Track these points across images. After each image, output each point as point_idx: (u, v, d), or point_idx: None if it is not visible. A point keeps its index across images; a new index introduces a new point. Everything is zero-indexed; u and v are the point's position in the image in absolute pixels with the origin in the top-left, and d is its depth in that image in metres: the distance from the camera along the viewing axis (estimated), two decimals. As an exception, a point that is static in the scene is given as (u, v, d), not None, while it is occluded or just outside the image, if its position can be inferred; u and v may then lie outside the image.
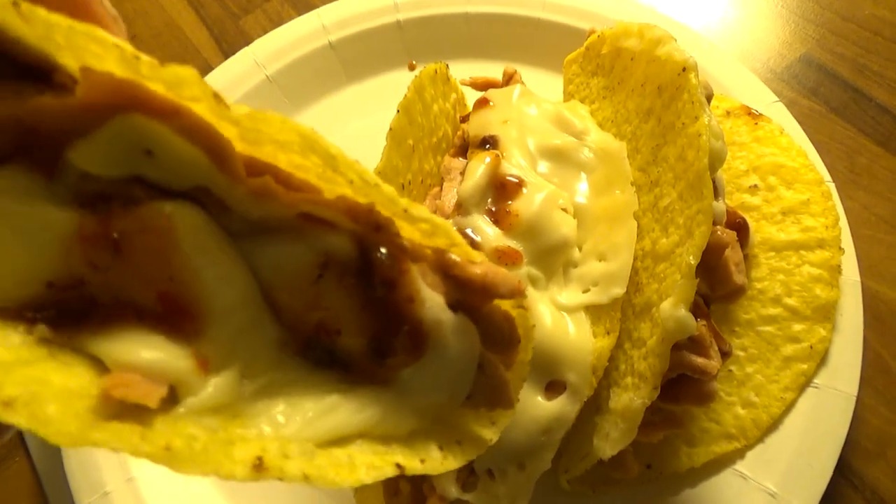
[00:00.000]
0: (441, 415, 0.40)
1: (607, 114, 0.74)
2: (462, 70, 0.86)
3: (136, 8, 1.07)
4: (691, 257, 0.54)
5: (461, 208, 0.65)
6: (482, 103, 0.80)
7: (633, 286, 0.62)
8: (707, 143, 0.57)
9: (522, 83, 0.83)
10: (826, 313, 0.66)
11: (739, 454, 0.64)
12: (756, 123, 0.78)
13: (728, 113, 0.80)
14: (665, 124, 0.62)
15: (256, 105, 0.33)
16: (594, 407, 0.61)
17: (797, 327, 0.67)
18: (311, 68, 0.95)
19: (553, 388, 0.60)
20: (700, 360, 0.55)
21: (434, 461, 0.38)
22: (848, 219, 0.79)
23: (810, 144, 0.77)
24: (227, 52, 0.99)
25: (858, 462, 0.66)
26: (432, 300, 0.38)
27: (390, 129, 0.64)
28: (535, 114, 0.76)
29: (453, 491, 0.59)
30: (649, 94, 0.65)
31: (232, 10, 1.05)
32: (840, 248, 0.69)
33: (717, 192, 0.63)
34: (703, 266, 0.59)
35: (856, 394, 0.63)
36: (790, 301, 0.68)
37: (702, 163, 0.56)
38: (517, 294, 0.39)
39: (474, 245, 0.63)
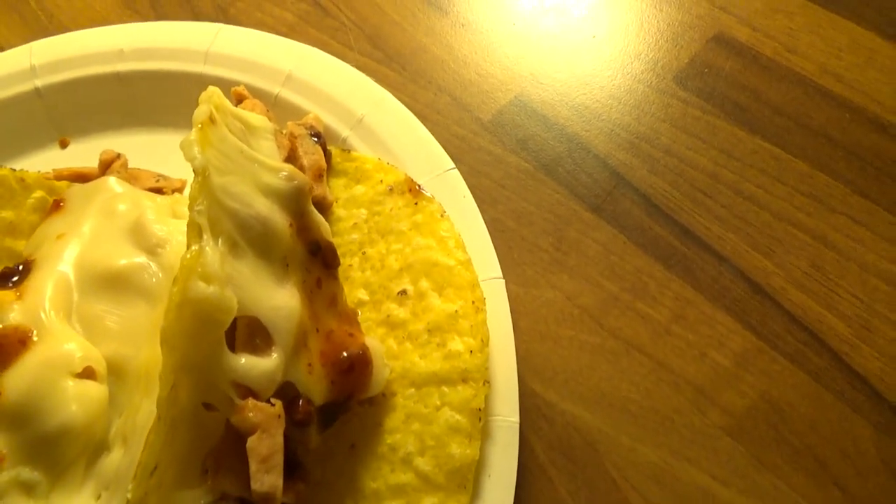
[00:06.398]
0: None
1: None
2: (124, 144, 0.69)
3: None
4: (129, 491, 0.35)
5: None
6: (54, 208, 0.60)
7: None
8: (181, 294, 0.38)
9: (125, 170, 0.64)
10: (461, 479, 0.48)
11: None
12: (416, 203, 0.60)
13: (391, 189, 0.62)
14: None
15: None
16: None
17: (427, 502, 0.49)
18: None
19: None
20: None
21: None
22: (546, 316, 0.61)
23: (484, 227, 0.59)
24: None
25: None
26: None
27: None
28: (110, 221, 0.57)
29: None
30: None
31: None
32: (485, 384, 0.51)
33: (271, 343, 0.44)
34: (230, 458, 0.41)
35: None
36: (422, 463, 0.49)
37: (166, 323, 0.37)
38: None
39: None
